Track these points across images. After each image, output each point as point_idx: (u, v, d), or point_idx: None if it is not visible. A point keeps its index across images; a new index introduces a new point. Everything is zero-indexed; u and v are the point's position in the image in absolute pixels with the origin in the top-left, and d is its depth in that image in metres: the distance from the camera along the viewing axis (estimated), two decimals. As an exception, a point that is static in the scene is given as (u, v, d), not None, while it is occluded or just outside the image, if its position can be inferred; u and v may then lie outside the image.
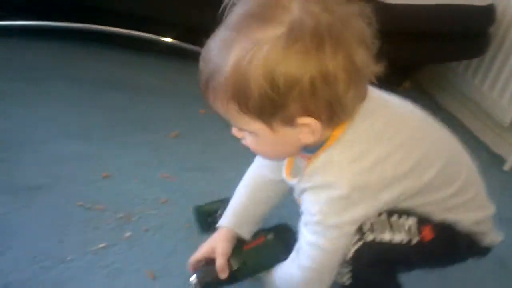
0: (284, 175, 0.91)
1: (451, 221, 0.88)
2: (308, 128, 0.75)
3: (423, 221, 0.86)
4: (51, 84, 1.61)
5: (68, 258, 1.02)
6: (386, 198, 0.81)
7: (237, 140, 0.87)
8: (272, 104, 0.71)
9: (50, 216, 1.11)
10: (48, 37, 1.81)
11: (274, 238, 1.01)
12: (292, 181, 0.88)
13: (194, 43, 1.85)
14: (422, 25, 1.75)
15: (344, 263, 0.84)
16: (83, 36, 1.84)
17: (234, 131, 0.82)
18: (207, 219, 1.14)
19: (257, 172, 1.02)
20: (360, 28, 0.72)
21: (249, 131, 0.78)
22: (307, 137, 0.77)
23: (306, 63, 0.69)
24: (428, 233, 0.86)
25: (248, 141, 0.81)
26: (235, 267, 0.98)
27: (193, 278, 0.98)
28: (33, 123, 1.39)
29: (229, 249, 0.98)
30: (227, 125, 0.81)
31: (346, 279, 0.86)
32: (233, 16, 0.73)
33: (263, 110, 0.72)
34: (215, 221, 1.04)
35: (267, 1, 0.72)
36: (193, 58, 2.02)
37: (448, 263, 0.95)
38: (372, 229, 0.83)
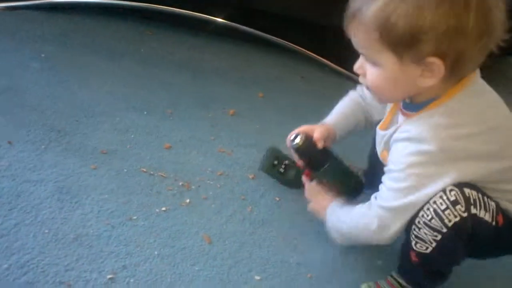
0: (378, 126, 1.03)
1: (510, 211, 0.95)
2: (431, 69, 0.84)
3: (498, 206, 0.93)
4: (122, 61, 1.69)
5: (134, 218, 1.09)
6: (465, 171, 0.89)
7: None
8: (412, 38, 0.81)
9: (116, 179, 1.18)
10: (122, 16, 1.92)
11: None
12: (384, 132, 0.99)
13: (248, 25, 1.91)
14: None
15: (435, 230, 0.89)
16: (150, 17, 1.93)
17: (356, 66, 0.92)
18: (273, 161, 1.28)
19: (357, 96, 1.17)
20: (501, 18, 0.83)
21: (377, 62, 0.87)
22: (425, 81, 0.86)
23: (451, 12, 0.79)
24: (501, 218, 0.92)
25: (369, 74, 0.90)
26: (327, 166, 1.13)
27: (296, 137, 1.11)
28: (103, 94, 1.48)
29: (325, 135, 1.12)
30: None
31: (428, 246, 0.91)
32: None
33: (402, 42, 0.82)
34: (278, 167, 1.27)
35: None
36: (251, 41, 2.09)
37: (509, 250, 1.01)
38: (475, 204, 0.89)
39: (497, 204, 0.93)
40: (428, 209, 0.89)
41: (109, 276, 0.95)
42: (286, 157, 1.29)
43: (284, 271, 1.07)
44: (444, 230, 0.88)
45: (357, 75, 0.94)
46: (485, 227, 0.90)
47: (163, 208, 1.14)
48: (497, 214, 0.91)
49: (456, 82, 0.89)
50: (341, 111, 1.18)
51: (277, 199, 1.27)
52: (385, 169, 0.96)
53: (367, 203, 1.00)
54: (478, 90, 0.92)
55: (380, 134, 1.01)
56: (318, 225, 1.21)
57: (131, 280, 0.96)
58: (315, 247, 1.15)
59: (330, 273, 1.10)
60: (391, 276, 1.05)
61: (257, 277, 1.04)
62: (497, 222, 0.91)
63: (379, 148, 1.03)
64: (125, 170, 1.22)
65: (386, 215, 0.94)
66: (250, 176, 1.31)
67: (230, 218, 1.17)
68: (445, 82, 0.87)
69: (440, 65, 0.83)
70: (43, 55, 1.58)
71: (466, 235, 0.89)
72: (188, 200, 1.18)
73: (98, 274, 0.95)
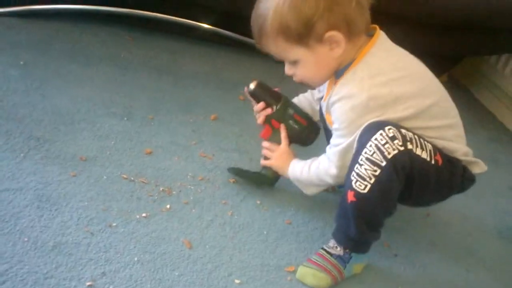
0: (321, 101, 1.19)
1: (449, 150, 1.08)
2: (334, 41, 1.02)
3: (435, 147, 1.05)
4: (100, 67, 1.69)
5: (114, 224, 1.09)
6: (398, 112, 1.03)
7: None
8: (306, 27, 1.00)
9: (95, 186, 1.18)
10: (103, 22, 1.91)
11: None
12: (325, 102, 1.13)
13: (232, 30, 1.91)
14: (469, 18, 1.76)
15: (375, 165, 1.00)
16: (131, 22, 1.93)
17: (286, 71, 1.10)
18: (242, 170, 1.33)
19: (305, 95, 1.33)
20: None
21: (296, 60, 1.06)
22: (336, 51, 1.03)
23: None
24: (439, 158, 1.05)
25: (298, 72, 1.09)
26: (283, 98, 1.27)
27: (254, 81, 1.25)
28: (82, 101, 1.47)
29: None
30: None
31: (366, 184, 1.01)
32: None
33: (301, 34, 1.01)
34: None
35: None
36: (233, 45, 2.10)
37: (446, 189, 1.12)
38: (411, 141, 1.00)
39: (434, 145, 1.05)
40: (370, 145, 1.00)
41: (88, 283, 0.95)
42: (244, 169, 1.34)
43: (264, 274, 1.08)
44: (384, 163, 0.99)
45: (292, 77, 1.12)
46: (424, 165, 1.02)
47: (144, 214, 1.14)
48: (435, 154, 1.04)
49: (363, 42, 1.06)
50: (300, 96, 1.35)
51: (258, 202, 1.27)
52: (332, 129, 1.11)
53: (322, 155, 1.16)
54: (387, 46, 1.09)
55: (323, 105, 1.17)
56: (298, 227, 1.22)
57: (111, 287, 0.96)
58: (294, 250, 1.16)
59: (310, 275, 1.11)
60: (322, 248, 1.13)
61: (237, 281, 1.05)
62: (436, 161, 1.03)
63: (324, 117, 1.18)
64: (105, 177, 1.22)
65: (338, 158, 1.09)
66: (231, 181, 1.32)
67: (211, 222, 1.18)
68: (352, 44, 1.05)
69: (338, 34, 1.01)
70: (22, 63, 1.57)
71: (403, 170, 1.00)
72: (168, 206, 1.19)
73: (78, 281, 0.95)
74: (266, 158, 1.29)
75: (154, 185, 1.24)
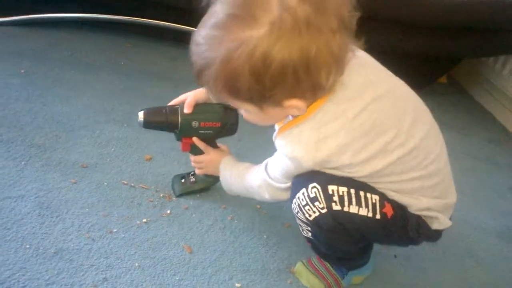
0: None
1: (398, 204, 0.95)
2: (294, 107, 0.85)
3: (384, 198, 0.94)
4: (100, 74, 1.71)
5: (114, 230, 1.10)
6: (345, 159, 0.89)
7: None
8: (260, 94, 0.81)
9: (96, 193, 1.19)
10: (102, 29, 1.93)
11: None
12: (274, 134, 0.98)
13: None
14: (468, 19, 1.76)
15: (303, 223, 0.97)
16: (130, 30, 1.94)
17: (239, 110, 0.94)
18: (180, 179, 1.27)
19: None
20: (337, 7, 0.78)
21: (243, 109, 0.91)
22: (293, 112, 0.88)
23: (289, 56, 0.76)
24: (389, 210, 0.94)
25: (243, 114, 0.94)
26: (181, 118, 1.13)
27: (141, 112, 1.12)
28: (82, 108, 1.49)
29: (193, 102, 1.13)
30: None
31: (306, 233, 1.00)
32: (218, 15, 0.79)
33: (252, 99, 0.83)
34: (187, 180, 1.26)
35: (248, 1, 0.77)
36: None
37: (402, 241, 1.03)
38: (340, 201, 0.91)
39: (383, 196, 0.94)
40: (294, 203, 0.95)
41: (90, 289, 0.96)
42: (188, 173, 1.29)
43: (264, 278, 1.09)
44: (309, 223, 0.95)
45: None
46: (364, 221, 0.92)
47: (144, 220, 1.15)
48: (382, 206, 0.93)
49: (325, 93, 0.86)
50: None
51: (258, 206, 1.28)
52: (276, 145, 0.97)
53: (257, 170, 1.07)
54: (348, 96, 0.88)
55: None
56: (298, 230, 1.23)
57: (112, 292, 0.97)
58: (295, 253, 1.17)
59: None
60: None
61: (238, 285, 1.05)
62: (383, 215, 0.93)
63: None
64: (106, 183, 1.23)
65: (274, 190, 1.02)
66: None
67: (211, 227, 1.18)
68: (314, 100, 0.87)
69: (301, 103, 0.84)
70: (22, 71, 1.59)
71: (334, 228, 0.93)
72: (169, 211, 1.19)
73: (79, 287, 0.96)
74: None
75: (154, 190, 1.25)
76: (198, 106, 1.14)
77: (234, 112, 1.15)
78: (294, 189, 0.95)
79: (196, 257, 1.09)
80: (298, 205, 0.94)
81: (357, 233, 0.95)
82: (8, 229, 1.04)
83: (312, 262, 1.11)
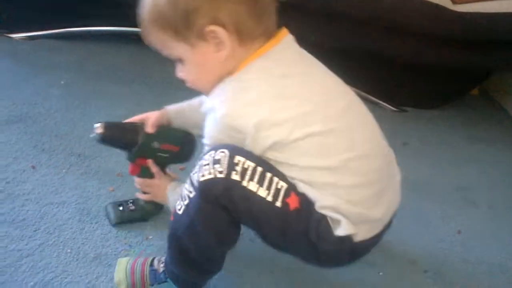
0: None
1: (306, 198, 0.87)
2: (220, 41, 0.85)
3: (292, 188, 0.86)
4: (133, 87, 1.77)
5: (150, 237, 1.14)
6: (260, 140, 0.85)
7: None
8: (183, 17, 0.84)
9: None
10: (134, 42, 1.97)
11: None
12: None
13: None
14: (499, 34, 1.76)
15: (191, 185, 0.86)
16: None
17: (177, 71, 0.94)
18: (118, 207, 1.18)
19: (199, 100, 1.12)
20: None
21: (180, 58, 0.90)
22: (222, 53, 0.86)
23: None
24: (293, 201, 0.85)
25: (183, 74, 0.93)
26: (142, 137, 1.08)
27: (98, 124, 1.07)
28: (118, 119, 1.52)
29: (157, 123, 1.11)
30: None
31: (182, 204, 0.88)
32: None
33: (179, 25, 0.85)
34: (126, 208, 1.17)
35: None
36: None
37: (300, 246, 0.90)
38: (241, 173, 0.83)
39: (292, 186, 0.86)
40: (198, 164, 0.87)
41: (128, 293, 1.00)
42: (126, 200, 1.20)
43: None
44: (196, 184, 0.85)
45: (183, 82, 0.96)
46: (258, 203, 0.84)
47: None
48: (286, 195, 0.85)
49: (250, 53, 0.88)
50: (181, 106, 1.19)
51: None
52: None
53: None
54: (280, 56, 0.89)
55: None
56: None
57: (149, 297, 1.00)
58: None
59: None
60: (154, 257, 1.03)
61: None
62: (285, 205, 0.84)
63: None
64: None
65: None
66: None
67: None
68: (245, 50, 0.88)
69: (221, 31, 0.84)
70: (62, 82, 1.66)
71: (216, 200, 0.84)
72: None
73: (118, 291, 1.00)
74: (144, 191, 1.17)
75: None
76: (161, 127, 1.11)
77: (193, 138, 1.13)
78: (205, 153, 0.88)
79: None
80: (200, 164, 0.86)
81: (249, 217, 0.86)
82: (51, 233, 1.09)
83: (136, 263, 1.01)
